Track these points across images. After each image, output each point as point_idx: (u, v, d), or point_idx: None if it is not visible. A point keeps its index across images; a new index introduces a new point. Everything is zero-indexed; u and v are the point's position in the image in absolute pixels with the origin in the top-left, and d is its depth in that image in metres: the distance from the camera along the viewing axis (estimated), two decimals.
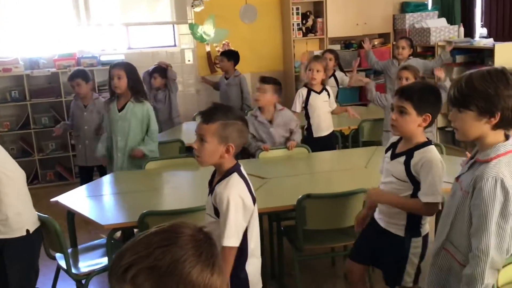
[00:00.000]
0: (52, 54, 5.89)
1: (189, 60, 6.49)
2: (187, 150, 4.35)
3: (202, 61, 6.61)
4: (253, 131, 4.03)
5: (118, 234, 3.45)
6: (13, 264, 2.60)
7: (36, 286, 2.74)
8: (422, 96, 2.37)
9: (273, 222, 3.51)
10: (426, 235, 2.50)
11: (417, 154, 2.38)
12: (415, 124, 2.37)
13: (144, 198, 3.19)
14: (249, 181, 2.19)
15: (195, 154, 2.17)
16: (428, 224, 2.52)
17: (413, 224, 2.46)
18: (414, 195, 2.39)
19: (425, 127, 2.42)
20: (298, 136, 4.12)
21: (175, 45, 6.56)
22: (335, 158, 4.19)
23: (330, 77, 5.45)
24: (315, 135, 4.43)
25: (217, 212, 2.12)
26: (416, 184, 2.38)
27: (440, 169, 2.33)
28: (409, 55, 5.60)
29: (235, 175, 2.13)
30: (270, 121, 4.04)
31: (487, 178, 1.78)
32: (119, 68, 3.80)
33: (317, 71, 4.40)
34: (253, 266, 2.22)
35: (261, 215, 3.09)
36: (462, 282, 1.86)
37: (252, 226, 2.18)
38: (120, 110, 3.86)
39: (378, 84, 5.94)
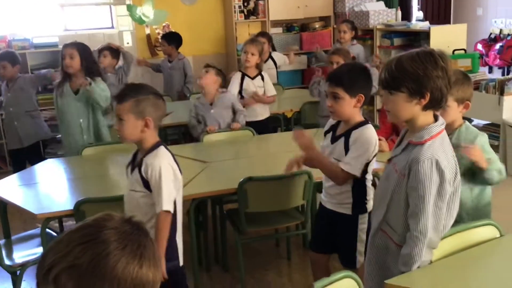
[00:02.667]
0: None
1: (128, 43, 6.29)
2: None
3: (142, 44, 6.44)
4: (196, 114, 3.99)
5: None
6: None
7: None
8: (352, 78, 2.44)
9: (216, 205, 3.50)
10: (371, 211, 2.55)
11: (354, 134, 2.45)
12: (350, 106, 2.44)
13: (80, 186, 3.09)
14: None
15: (118, 134, 2.31)
16: (372, 201, 2.55)
17: (359, 201, 2.53)
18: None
19: (361, 106, 2.49)
20: (242, 118, 4.10)
21: (112, 27, 6.35)
22: (278, 141, 4.20)
23: (266, 60, 5.45)
24: (248, 119, 4.42)
25: (146, 185, 2.25)
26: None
27: (369, 148, 2.42)
28: (352, 38, 5.65)
29: (162, 148, 2.30)
30: (211, 104, 4.00)
31: (423, 160, 1.81)
32: (71, 47, 3.64)
33: (252, 54, 4.40)
34: (180, 238, 2.37)
35: (203, 199, 3.09)
36: (399, 261, 1.90)
37: (179, 198, 2.35)
38: (76, 93, 3.72)
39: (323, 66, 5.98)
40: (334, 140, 2.53)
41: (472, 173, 2.43)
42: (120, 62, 5.21)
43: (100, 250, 0.95)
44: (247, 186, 2.90)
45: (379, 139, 3.34)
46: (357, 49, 5.62)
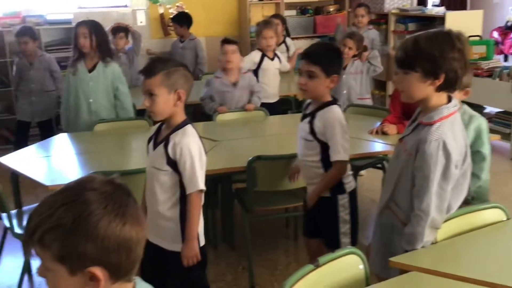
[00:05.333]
0: None
1: (141, 22, 6.29)
2: (138, 114, 4.27)
3: (155, 24, 6.43)
4: (214, 93, 3.96)
5: None
6: None
7: None
8: (329, 58, 2.44)
9: (224, 184, 3.52)
10: (353, 191, 2.57)
11: (318, 115, 2.46)
12: (324, 86, 2.43)
13: (92, 160, 3.12)
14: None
15: (148, 111, 2.20)
16: (353, 182, 2.58)
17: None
18: (324, 154, 2.47)
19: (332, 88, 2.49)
20: (257, 100, 4.11)
21: (126, 6, 6.34)
22: (289, 122, 4.21)
23: (280, 44, 5.43)
24: (261, 100, 4.43)
25: (171, 163, 2.16)
26: (322, 142, 2.46)
27: (341, 127, 2.42)
28: (368, 22, 5.58)
29: (189, 126, 2.21)
30: (234, 84, 4.00)
31: (430, 141, 1.82)
32: (84, 27, 3.64)
33: (271, 37, 4.45)
34: (201, 219, 2.29)
35: (212, 177, 3.11)
36: (403, 240, 1.92)
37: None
38: (90, 71, 3.73)
39: None
40: (303, 118, 2.56)
41: None
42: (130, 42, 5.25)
43: (82, 211, 0.98)
44: (256, 164, 2.92)
45: (384, 124, 3.37)
46: (373, 34, 5.56)
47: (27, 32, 4.74)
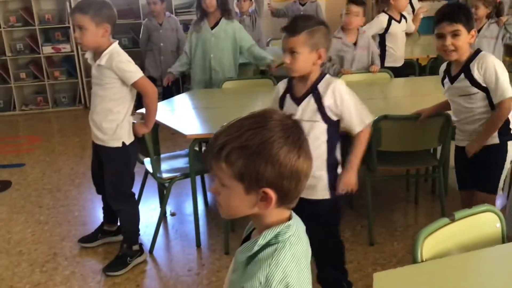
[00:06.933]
0: None
1: None
2: (261, 73, 4.41)
3: None
4: (333, 53, 3.97)
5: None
6: (108, 167, 2.81)
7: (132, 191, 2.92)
8: (466, 14, 2.47)
9: (346, 142, 3.54)
10: None
11: (473, 65, 2.46)
12: (467, 42, 2.47)
13: (222, 113, 3.30)
14: None
15: (287, 68, 2.20)
16: None
17: (505, 128, 2.51)
18: (489, 98, 2.47)
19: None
20: (378, 61, 4.08)
21: None
22: (415, 84, 4.15)
23: None
24: (387, 64, 4.35)
25: (321, 113, 2.19)
26: (484, 89, 2.46)
27: (498, 66, 2.42)
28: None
29: (328, 76, 2.25)
30: (355, 44, 3.99)
31: None
32: None
33: None
34: None
35: None
36: None
37: None
38: (212, 28, 3.95)
39: None
40: (453, 80, 2.54)
41: None
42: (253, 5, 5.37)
43: (268, 137, 1.09)
44: (382, 124, 2.91)
45: None
46: None
47: None
